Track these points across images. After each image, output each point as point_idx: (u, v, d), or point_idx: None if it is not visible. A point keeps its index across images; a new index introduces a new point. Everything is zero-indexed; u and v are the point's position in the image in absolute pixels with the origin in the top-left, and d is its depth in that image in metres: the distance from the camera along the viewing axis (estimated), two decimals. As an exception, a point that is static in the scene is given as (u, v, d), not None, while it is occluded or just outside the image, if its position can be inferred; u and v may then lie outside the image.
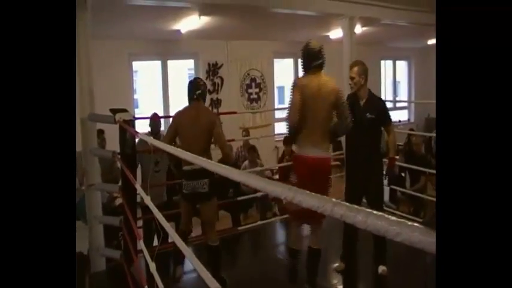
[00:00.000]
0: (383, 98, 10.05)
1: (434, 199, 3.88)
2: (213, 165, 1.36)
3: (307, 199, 0.72)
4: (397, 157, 4.69)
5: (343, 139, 3.78)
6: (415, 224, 0.55)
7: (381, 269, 3.37)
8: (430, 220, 2.35)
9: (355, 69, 3.27)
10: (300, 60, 3.00)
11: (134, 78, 7.67)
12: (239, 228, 4.71)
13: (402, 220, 0.57)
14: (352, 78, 3.29)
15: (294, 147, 3.27)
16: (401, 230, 0.56)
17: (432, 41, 9.39)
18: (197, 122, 3.07)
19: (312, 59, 2.90)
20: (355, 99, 3.33)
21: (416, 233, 0.54)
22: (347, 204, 0.64)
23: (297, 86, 2.89)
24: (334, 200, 0.67)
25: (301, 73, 3.02)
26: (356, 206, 0.63)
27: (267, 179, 0.90)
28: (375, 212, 0.60)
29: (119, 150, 3.36)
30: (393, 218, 0.58)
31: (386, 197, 5.69)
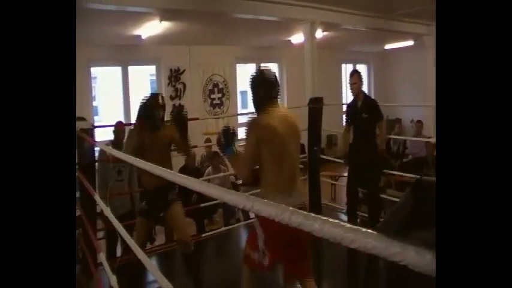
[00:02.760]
0: (344, 101, 10.42)
1: (394, 199, 3.99)
2: (173, 175, 1.34)
3: (264, 208, 0.72)
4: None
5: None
6: (369, 231, 0.56)
7: None
8: (382, 226, 2.40)
9: (356, 76, 3.79)
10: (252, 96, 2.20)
11: (93, 84, 7.45)
12: (203, 235, 4.66)
13: (357, 227, 0.57)
14: (354, 84, 3.78)
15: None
16: (356, 237, 0.57)
17: (388, 46, 9.71)
18: None
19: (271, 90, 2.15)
20: (355, 102, 3.88)
21: (369, 240, 0.55)
22: (304, 212, 0.65)
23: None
24: (291, 208, 0.67)
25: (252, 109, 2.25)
26: (312, 214, 0.63)
27: (225, 189, 0.89)
28: (330, 219, 0.61)
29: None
30: (348, 225, 0.58)
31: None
